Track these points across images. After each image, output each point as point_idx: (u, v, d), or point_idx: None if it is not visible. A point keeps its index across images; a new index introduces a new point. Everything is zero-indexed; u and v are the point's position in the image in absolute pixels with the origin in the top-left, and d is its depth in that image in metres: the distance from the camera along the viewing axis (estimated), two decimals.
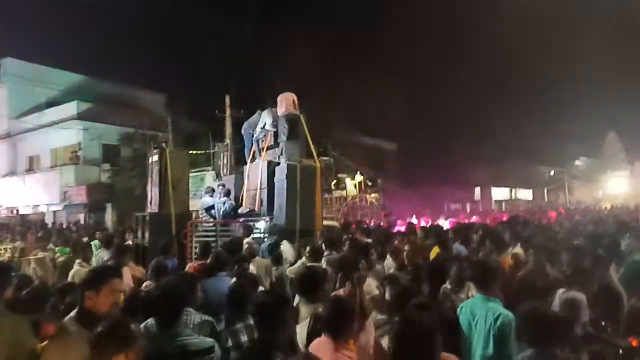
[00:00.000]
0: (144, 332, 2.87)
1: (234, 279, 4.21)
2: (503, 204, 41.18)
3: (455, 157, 35.12)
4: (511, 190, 46.08)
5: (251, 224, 9.13)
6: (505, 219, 12.88)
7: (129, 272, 5.40)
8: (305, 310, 3.38)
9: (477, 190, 41.00)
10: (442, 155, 35.63)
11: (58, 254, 10.00)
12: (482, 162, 36.69)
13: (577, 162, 46.22)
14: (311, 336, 3.15)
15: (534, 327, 2.79)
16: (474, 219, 17.78)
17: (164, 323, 2.91)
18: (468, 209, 34.03)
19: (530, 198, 46.69)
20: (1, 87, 28.76)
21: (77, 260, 6.75)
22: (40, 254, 9.75)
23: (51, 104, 28.44)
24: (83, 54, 57.99)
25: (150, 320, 3.02)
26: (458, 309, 3.72)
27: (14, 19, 37.85)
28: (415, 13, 61.62)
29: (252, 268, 5.51)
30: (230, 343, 3.24)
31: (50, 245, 10.67)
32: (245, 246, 6.34)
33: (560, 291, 3.96)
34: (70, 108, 26.89)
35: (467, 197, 37.50)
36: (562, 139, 43.38)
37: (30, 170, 29.19)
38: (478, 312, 3.53)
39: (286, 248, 7.06)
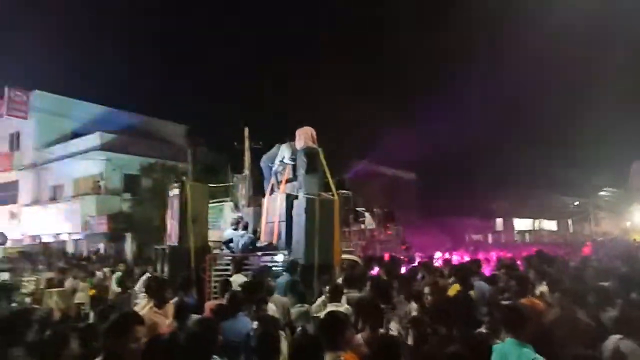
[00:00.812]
0: None
1: (255, 323, 4.13)
2: (526, 234, 40.29)
3: (476, 187, 34.67)
4: (534, 221, 45.13)
5: (268, 258, 9.09)
6: (530, 252, 12.49)
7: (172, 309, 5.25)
8: (327, 359, 3.29)
9: (499, 221, 40.25)
10: (462, 185, 35.16)
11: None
12: (503, 193, 36.15)
13: (602, 193, 45.16)
14: None
15: None
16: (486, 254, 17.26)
17: None
18: (490, 240, 33.35)
19: (555, 229, 45.64)
20: (30, 119, 29.77)
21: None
22: (81, 285, 9.88)
23: (76, 134, 29.34)
24: (108, 86, 60.04)
25: None
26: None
27: (42, 53, 39.79)
28: (437, 44, 62.15)
29: (269, 306, 5.42)
30: None
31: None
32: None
33: (615, 338, 3.78)
34: (94, 139, 27.63)
35: (488, 228, 36.80)
36: (586, 169, 42.62)
37: (53, 199, 29.80)
38: (510, 358, 3.43)
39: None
